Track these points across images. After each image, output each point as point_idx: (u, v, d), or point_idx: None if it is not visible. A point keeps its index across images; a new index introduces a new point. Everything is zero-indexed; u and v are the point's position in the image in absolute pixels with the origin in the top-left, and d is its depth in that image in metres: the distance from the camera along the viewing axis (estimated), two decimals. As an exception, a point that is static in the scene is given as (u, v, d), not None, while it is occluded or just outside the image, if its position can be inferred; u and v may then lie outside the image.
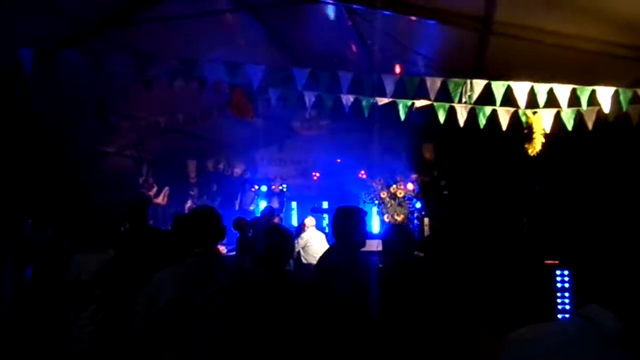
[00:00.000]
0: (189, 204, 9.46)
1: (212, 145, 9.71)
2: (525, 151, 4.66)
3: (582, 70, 4.43)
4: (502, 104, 4.38)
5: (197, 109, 7.79)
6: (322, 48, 6.73)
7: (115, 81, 5.07)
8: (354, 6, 5.22)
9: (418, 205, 7.98)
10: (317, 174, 11.18)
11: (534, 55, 5.02)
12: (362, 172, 10.20)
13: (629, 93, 4.01)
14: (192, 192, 9.54)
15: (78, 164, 7.51)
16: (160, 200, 8.74)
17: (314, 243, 7.17)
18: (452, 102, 4.37)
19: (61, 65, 3.79)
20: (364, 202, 10.28)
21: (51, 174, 6.31)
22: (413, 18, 5.16)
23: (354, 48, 6.26)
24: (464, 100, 4.07)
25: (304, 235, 7.40)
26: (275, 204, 10.31)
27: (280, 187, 10.56)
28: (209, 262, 2.50)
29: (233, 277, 2.52)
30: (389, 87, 4.02)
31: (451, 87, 4.01)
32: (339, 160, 10.61)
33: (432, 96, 4.06)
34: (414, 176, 8.00)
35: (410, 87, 4.00)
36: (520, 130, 4.56)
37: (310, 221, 7.57)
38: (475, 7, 4.71)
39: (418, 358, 2.84)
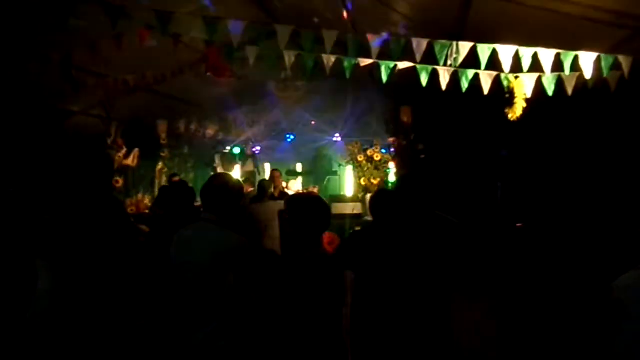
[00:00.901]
0: (160, 166, 9.21)
1: (183, 106, 9.38)
2: (505, 116, 4.67)
3: (564, 34, 4.42)
4: (482, 67, 4.34)
5: (168, 66, 7.46)
6: (300, 6, 6.50)
7: (82, 35, 4.74)
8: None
9: (393, 169, 8.00)
10: (291, 136, 11.05)
11: (517, 18, 4.97)
12: (337, 134, 10.13)
13: (610, 59, 4.04)
14: (162, 154, 9.26)
15: (41, 124, 7.14)
16: (129, 161, 8.47)
17: None
18: (435, 64, 4.30)
19: (25, 16, 3.49)
20: (339, 164, 10.28)
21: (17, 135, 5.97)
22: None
23: (335, 6, 6.04)
24: (449, 63, 4.01)
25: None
26: (250, 167, 10.17)
27: (253, 150, 10.39)
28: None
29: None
30: (375, 48, 3.90)
31: (437, 49, 3.93)
32: (313, 123, 10.48)
33: (418, 58, 3.98)
34: (390, 139, 7.98)
35: (396, 49, 3.90)
36: (502, 94, 4.56)
37: (295, 185, 7.35)
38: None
39: (393, 320, 2.86)
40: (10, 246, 2.95)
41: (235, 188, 2.60)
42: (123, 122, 8.48)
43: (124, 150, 8.26)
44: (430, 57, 4.35)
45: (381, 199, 3.14)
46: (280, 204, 6.24)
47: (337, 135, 10.15)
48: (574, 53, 4.08)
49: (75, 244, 2.37)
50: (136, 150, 8.51)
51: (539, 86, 4.55)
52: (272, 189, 6.72)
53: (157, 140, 9.24)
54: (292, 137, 11.00)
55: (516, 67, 4.28)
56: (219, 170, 10.15)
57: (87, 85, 6.69)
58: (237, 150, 10.70)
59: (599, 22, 4.22)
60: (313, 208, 2.41)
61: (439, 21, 5.93)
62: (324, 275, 2.29)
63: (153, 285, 2.93)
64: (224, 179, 2.64)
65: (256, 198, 6.40)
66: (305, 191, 8.58)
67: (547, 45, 4.14)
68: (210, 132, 10.16)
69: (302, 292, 2.25)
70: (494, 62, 4.31)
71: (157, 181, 9.20)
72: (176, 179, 7.75)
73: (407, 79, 4.96)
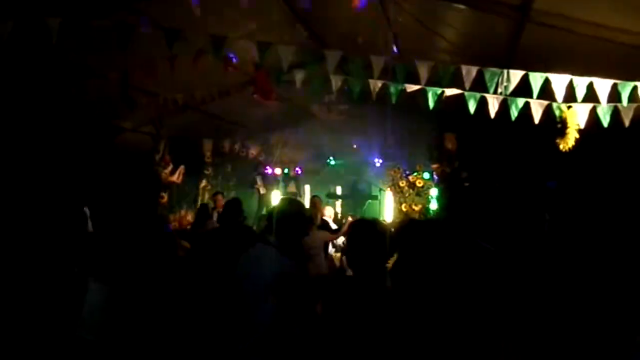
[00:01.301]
0: (203, 183, 9.42)
1: (228, 126, 9.63)
2: (556, 146, 4.52)
3: (621, 65, 4.27)
4: (534, 96, 4.24)
5: (216, 87, 7.70)
6: (347, 32, 6.59)
7: (139, 56, 4.96)
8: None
9: (436, 195, 7.86)
10: (333, 159, 11.09)
11: (571, 46, 4.85)
12: (378, 159, 10.09)
13: (672, 90, 3.86)
14: (207, 172, 9.49)
15: (96, 139, 7.47)
16: (175, 178, 8.70)
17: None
18: (484, 92, 4.24)
19: (88, 37, 3.70)
20: (380, 189, 10.21)
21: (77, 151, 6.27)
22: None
23: (381, 33, 6.09)
24: (499, 90, 3.93)
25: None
26: (293, 188, 10.25)
27: (299, 171, 10.48)
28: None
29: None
30: (423, 74, 3.89)
31: (487, 76, 3.87)
32: (355, 146, 10.50)
33: (467, 85, 3.93)
34: (434, 166, 7.87)
35: (444, 75, 3.87)
36: (553, 124, 4.42)
37: (328, 211, 7.31)
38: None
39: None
40: (65, 263, 3.08)
41: (306, 217, 2.62)
42: (171, 139, 8.77)
43: (171, 167, 8.51)
44: (478, 85, 4.30)
45: (414, 230, 3.00)
46: (326, 235, 6.25)
47: (378, 159, 10.12)
48: (632, 83, 3.93)
49: (123, 262, 2.46)
50: (182, 167, 8.75)
51: (593, 117, 4.39)
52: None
53: (201, 158, 9.48)
54: (333, 160, 11.05)
55: (569, 97, 4.16)
56: (261, 190, 10.27)
57: (140, 104, 7.00)
58: (278, 171, 10.81)
59: (659, 52, 4.06)
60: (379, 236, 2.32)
61: (487, 48, 5.88)
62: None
63: (192, 297, 2.98)
64: (298, 206, 2.66)
65: None
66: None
67: (603, 74, 4.00)
68: (253, 152, 10.35)
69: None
70: (545, 91, 4.21)
71: (199, 198, 9.41)
72: (219, 197, 7.90)
73: (451, 106, 4.91)
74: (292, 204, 2.69)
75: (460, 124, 6.58)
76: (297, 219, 2.53)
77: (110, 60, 5.24)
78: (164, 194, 8.31)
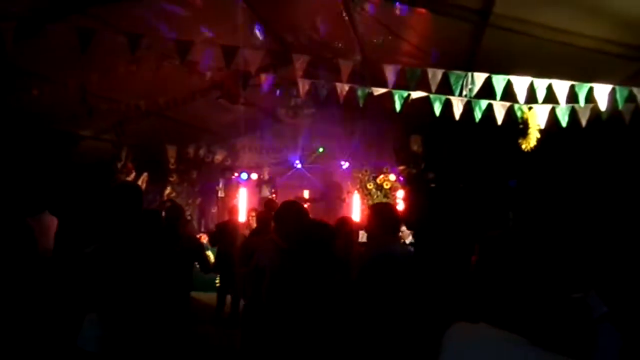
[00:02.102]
0: (168, 190, 9.22)
1: (192, 131, 9.46)
2: (519, 146, 4.65)
3: (578, 67, 4.44)
4: (497, 98, 4.35)
5: (180, 92, 7.54)
6: (313, 36, 6.59)
7: (98, 61, 4.80)
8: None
9: (402, 196, 7.96)
10: (299, 163, 11.06)
11: (530, 50, 5.00)
12: (345, 161, 10.14)
13: (625, 91, 4.03)
14: (171, 179, 9.28)
15: (53, 148, 7.18)
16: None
17: None
18: (448, 94, 4.31)
19: (45, 42, 3.54)
20: (348, 191, 10.25)
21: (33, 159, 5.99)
22: (398, 6, 5.11)
23: (345, 36, 6.12)
24: (464, 93, 4.01)
25: None
26: (266, 192, 10.14)
27: (269, 175, 10.38)
28: None
29: None
30: (390, 77, 3.92)
31: (452, 79, 3.95)
32: (321, 150, 10.52)
33: (433, 88, 3.99)
34: (400, 168, 7.97)
35: (412, 79, 3.92)
36: (516, 125, 4.55)
37: None
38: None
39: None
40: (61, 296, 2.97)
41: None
42: (133, 146, 8.53)
43: (133, 175, 8.28)
44: (443, 87, 4.37)
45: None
46: None
47: (345, 162, 10.17)
48: (588, 85, 4.09)
49: (118, 289, 2.39)
50: (145, 174, 8.52)
51: (552, 117, 4.55)
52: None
53: (166, 165, 9.27)
54: (300, 163, 11.02)
55: (530, 99, 4.28)
56: (220, 194, 10.16)
57: (100, 110, 6.77)
58: (254, 176, 10.68)
59: (612, 55, 4.24)
60: None
61: (449, 52, 6.00)
62: None
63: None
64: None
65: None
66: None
67: (562, 77, 4.15)
68: (219, 157, 10.20)
69: None
70: (507, 93, 4.32)
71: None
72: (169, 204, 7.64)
73: (417, 109, 4.98)
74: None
75: (426, 126, 6.68)
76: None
77: (67, 66, 5.04)
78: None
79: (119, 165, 8.03)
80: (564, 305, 1.38)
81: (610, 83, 4.19)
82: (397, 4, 4.87)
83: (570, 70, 4.31)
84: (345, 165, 10.16)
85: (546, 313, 1.36)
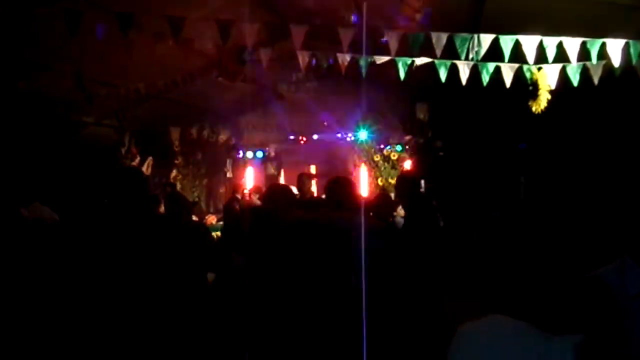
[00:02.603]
0: (174, 173, 9.16)
1: (195, 112, 9.33)
2: (529, 108, 4.51)
3: (589, 22, 4.24)
4: (504, 59, 4.19)
5: (179, 73, 7.40)
6: (310, 6, 6.39)
7: (92, 45, 4.67)
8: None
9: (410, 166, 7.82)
10: (304, 138, 10.91)
11: (537, 7, 4.81)
12: (350, 134, 9.98)
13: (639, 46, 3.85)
14: (176, 161, 9.21)
15: (55, 136, 7.12)
16: (143, 170, 8.42)
17: None
18: (455, 58, 4.16)
19: (34, 27, 3.43)
20: (355, 164, 10.12)
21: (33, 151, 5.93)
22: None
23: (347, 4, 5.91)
24: (470, 56, 3.86)
25: None
26: (272, 170, 10.05)
27: (275, 152, 10.26)
28: None
29: None
30: (393, 44, 3.77)
31: (457, 42, 3.79)
32: (325, 123, 10.35)
33: (438, 53, 3.83)
34: (407, 137, 7.81)
35: (415, 44, 3.76)
36: (524, 87, 4.39)
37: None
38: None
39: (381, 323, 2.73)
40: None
41: None
42: (136, 131, 8.44)
43: (138, 160, 8.21)
44: (448, 52, 4.21)
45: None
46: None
47: (349, 135, 10.01)
48: (600, 40, 3.91)
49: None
50: (150, 158, 8.46)
51: (563, 77, 4.38)
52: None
53: (170, 148, 9.19)
54: (304, 138, 10.88)
55: (539, 59, 4.12)
56: (228, 175, 10.08)
57: (100, 96, 6.66)
58: (250, 155, 10.59)
59: (625, 6, 4.04)
60: None
61: (452, 13, 5.78)
62: None
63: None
64: None
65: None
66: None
67: (572, 34, 3.97)
68: (223, 137, 10.09)
69: None
70: (515, 54, 4.16)
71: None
72: (167, 189, 7.56)
73: (421, 76, 4.82)
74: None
75: (432, 93, 6.51)
76: None
77: (62, 52, 4.92)
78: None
79: (123, 150, 7.96)
80: (575, 286, 1.27)
81: (624, 37, 4.01)
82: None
83: (581, 26, 4.13)
84: (350, 137, 10.00)
85: (555, 296, 1.26)
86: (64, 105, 6.62)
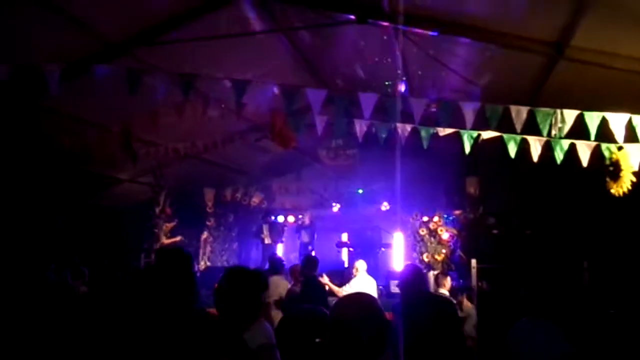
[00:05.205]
0: (205, 235, 8.85)
1: (230, 173, 9.18)
2: (607, 190, 4.10)
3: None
4: (571, 136, 3.88)
5: (219, 134, 7.30)
6: (357, 75, 6.30)
7: (143, 104, 4.55)
8: (402, 27, 4.79)
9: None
10: (337, 205, 10.58)
11: (607, 82, 4.56)
12: (385, 203, 9.61)
13: None
14: (208, 223, 8.93)
15: (89, 192, 6.97)
16: (166, 242, 7.95)
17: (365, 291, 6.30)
18: (535, 134, 3.85)
19: (88, 85, 3.27)
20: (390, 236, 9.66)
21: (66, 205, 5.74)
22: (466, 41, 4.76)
23: (397, 73, 5.78)
24: (553, 132, 3.54)
25: (353, 282, 6.45)
26: (306, 238, 9.67)
27: (309, 219, 9.89)
28: None
29: None
30: (469, 115, 3.49)
31: (539, 117, 3.49)
32: (360, 191, 10.06)
33: (518, 128, 3.53)
34: (456, 212, 7.39)
35: (493, 116, 3.48)
36: (604, 167, 4.02)
37: (361, 265, 6.57)
38: (548, 31, 4.28)
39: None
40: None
41: None
42: (170, 189, 8.26)
43: (174, 223, 7.89)
44: (506, 126, 3.93)
45: None
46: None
47: (385, 204, 9.63)
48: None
49: None
50: (179, 238, 8.04)
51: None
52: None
53: (203, 209, 8.96)
54: (337, 205, 10.55)
55: (608, 137, 3.79)
56: (266, 240, 9.68)
57: (139, 154, 6.54)
58: (290, 219, 10.25)
59: None
60: None
61: (510, 87, 5.57)
62: None
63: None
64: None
65: None
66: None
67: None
68: (255, 200, 9.84)
69: None
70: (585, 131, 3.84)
71: (200, 251, 8.81)
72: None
73: (472, 148, 4.51)
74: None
75: (482, 168, 6.17)
76: None
77: (112, 111, 4.82)
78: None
79: (157, 210, 7.72)
80: None
81: None
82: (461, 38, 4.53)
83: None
84: (386, 207, 9.61)
85: None
86: (103, 161, 6.52)
